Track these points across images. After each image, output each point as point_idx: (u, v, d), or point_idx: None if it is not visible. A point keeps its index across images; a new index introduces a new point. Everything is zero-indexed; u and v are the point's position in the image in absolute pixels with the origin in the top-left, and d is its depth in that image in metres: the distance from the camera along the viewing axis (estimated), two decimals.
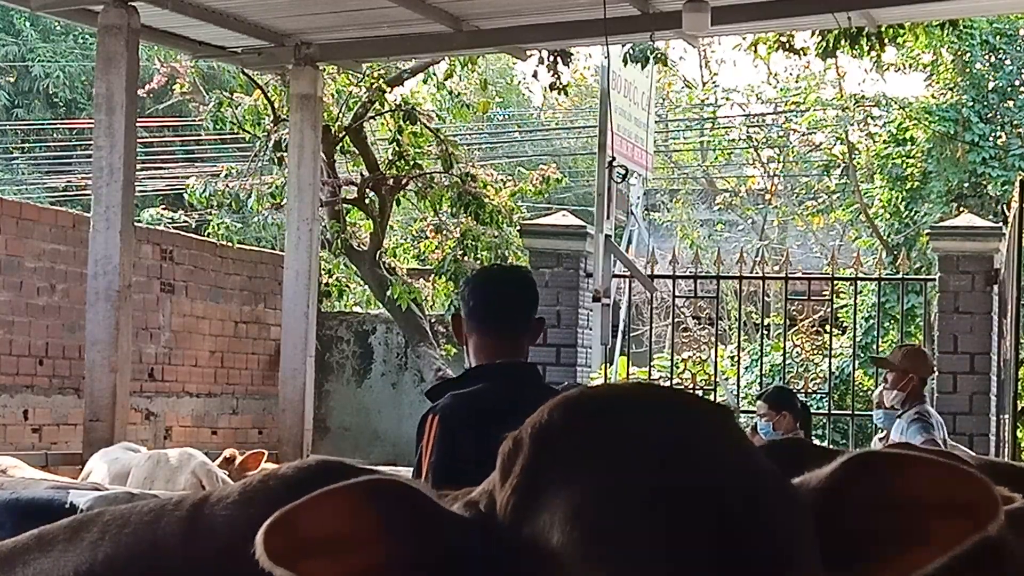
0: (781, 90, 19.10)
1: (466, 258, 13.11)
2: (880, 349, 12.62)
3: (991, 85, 16.14)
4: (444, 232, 13.50)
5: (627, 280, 12.03)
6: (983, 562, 1.33)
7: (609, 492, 1.04)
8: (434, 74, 13.43)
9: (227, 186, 13.01)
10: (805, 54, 11.85)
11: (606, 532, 1.03)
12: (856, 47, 10.32)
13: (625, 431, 1.09)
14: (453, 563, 1.10)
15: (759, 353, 13.25)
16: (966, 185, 15.82)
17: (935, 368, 7.60)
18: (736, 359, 13.10)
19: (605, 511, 1.03)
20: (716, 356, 12.71)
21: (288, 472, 1.37)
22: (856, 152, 17.64)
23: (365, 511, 1.09)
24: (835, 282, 11.63)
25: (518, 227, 12.41)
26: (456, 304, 12.37)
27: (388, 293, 13.05)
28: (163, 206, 14.85)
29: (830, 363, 12.34)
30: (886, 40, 10.34)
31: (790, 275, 11.87)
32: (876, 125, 17.42)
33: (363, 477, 1.11)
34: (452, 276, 13.21)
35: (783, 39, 11.40)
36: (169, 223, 14.26)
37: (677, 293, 11.59)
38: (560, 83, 11.36)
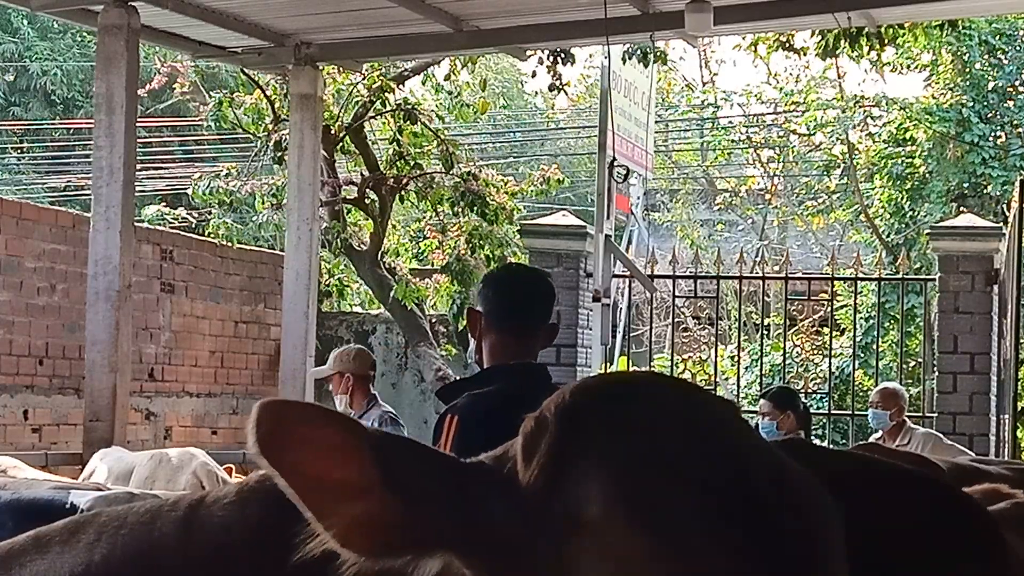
0: (784, 93, 19.09)
1: (473, 256, 13.09)
2: (880, 349, 12.64)
3: (991, 85, 16.15)
4: (448, 231, 13.50)
5: (627, 280, 12.02)
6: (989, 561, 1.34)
7: (650, 462, 1.06)
8: (432, 75, 13.42)
9: (228, 184, 13.02)
10: (805, 54, 11.86)
11: (651, 500, 1.04)
12: (856, 47, 10.31)
13: (651, 408, 1.11)
14: (462, 514, 1.10)
15: (759, 353, 13.28)
16: (966, 185, 15.83)
17: (373, 361, 7.34)
18: (736, 359, 13.12)
19: (648, 480, 1.05)
20: (716, 356, 12.73)
21: None
22: (856, 152, 17.64)
23: (359, 445, 1.10)
24: (835, 282, 11.62)
25: (518, 227, 12.41)
26: (468, 301, 12.37)
27: (392, 293, 13.05)
28: (163, 203, 14.83)
29: (830, 363, 12.36)
30: (886, 40, 10.34)
31: (790, 275, 11.87)
32: (876, 125, 17.43)
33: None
34: (457, 275, 13.20)
35: (783, 39, 11.41)
36: (171, 222, 14.25)
37: (677, 293, 11.59)
38: (560, 83, 11.35)
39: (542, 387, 3.61)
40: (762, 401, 7.76)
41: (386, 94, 12.78)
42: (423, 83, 13.48)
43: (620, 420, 1.10)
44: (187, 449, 6.83)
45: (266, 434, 1.08)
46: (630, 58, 10.97)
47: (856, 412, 11.36)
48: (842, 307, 15.04)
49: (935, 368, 10.58)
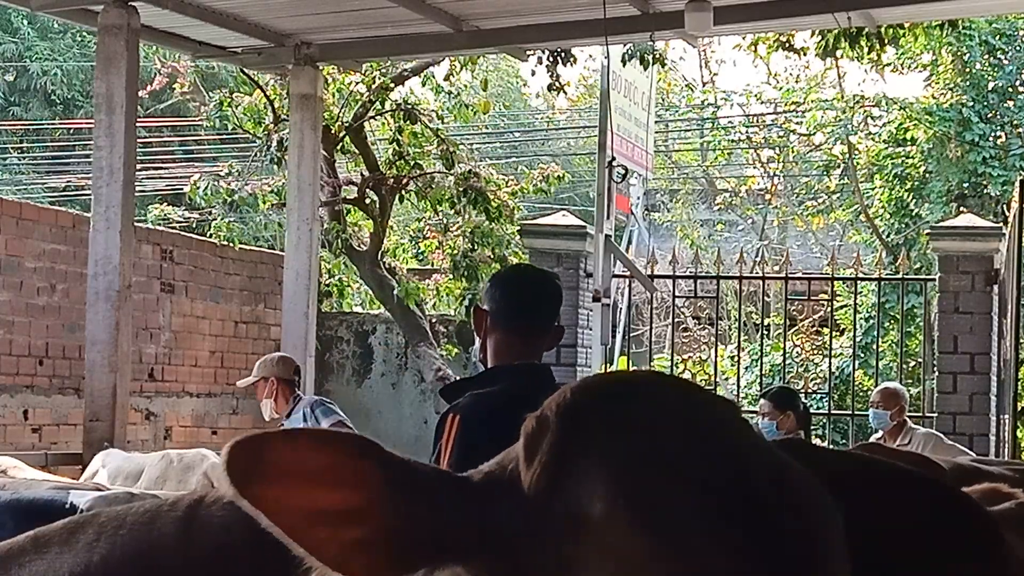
0: (784, 91, 19.08)
1: (476, 253, 13.06)
2: (880, 349, 12.64)
3: (991, 85, 16.14)
4: (450, 231, 13.49)
5: (627, 280, 12.03)
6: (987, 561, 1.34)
7: (651, 461, 1.06)
8: (432, 76, 13.42)
9: (229, 184, 13.02)
10: (805, 54, 11.86)
11: (652, 500, 1.04)
12: (856, 47, 10.31)
13: (652, 407, 1.11)
14: (466, 518, 1.09)
15: (759, 353, 13.27)
16: (966, 185, 15.83)
17: (297, 367, 7.63)
18: (736, 359, 13.12)
19: (649, 480, 1.05)
20: (716, 356, 12.72)
21: None
22: (856, 152, 17.64)
23: (352, 455, 1.08)
24: (835, 282, 11.61)
25: (518, 227, 12.42)
26: (478, 298, 12.36)
27: (396, 292, 13.04)
28: (166, 203, 14.81)
29: (830, 363, 12.36)
30: (886, 40, 10.34)
31: (790, 275, 11.87)
32: (876, 125, 17.42)
33: (350, 432, 1.11)
34: (464, 274, 13.18)
35: (783, 39, 11.41)
36: (177, 221, 14.24)
37: (677, 293, 11.59)
38: (559, 83, 11.35)
39: (546, 388, 3.58)
40: (762, 401, 7.76)
41: (386, 94, 12.79)
42: (423, 84, 13.47)
43: (622, 419, 1.10)
44: (198, 450, 6.85)
45: (242, 474, 1.05)
46: (629, 59, 10.97)
47: (856, 412, 11.36)
48: (842, 307, 15.04)
49: (935, 368, 10.58)
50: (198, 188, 12.98)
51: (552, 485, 1.08)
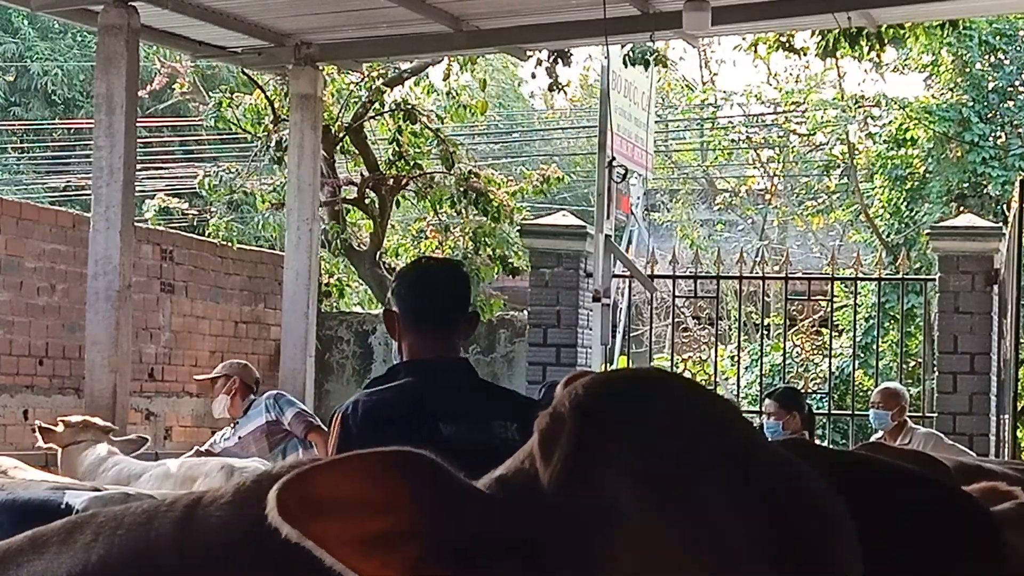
0: (784, 92, 19.08)
1: (478, 255, 13.06)
2: (880, 349, 12.63)
3: (991, 85, 16.14)
4: (448, 231, 13.49)
5: (627, 280, 12.02)
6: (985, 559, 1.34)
7: (671, 454, 1.06)
8: (428, 76, 13.41)
9: (232, 182, 13.04)
10: (805, 54, 11.86)
11: (679, 490, 1.04)
12: (856, 47, 10.31)
13: (665, 401, 1.12)
14: (486, 541, 1.09)
15: (759, 353, 13.26)
16: (966, 185, 15.83)
17: (257, 378, 7.75)
18: (736, 359, 13.11)
19: (673, 471, 1.05)
20: (716, 356, 12.71)
21: (282, 472, 1.35)
22: (856, 152, 17.64)
23: (393, 477, 1.07)
24: (835, 282, 11.61)
25: (518, 227, 12.42)
26: (476, 300, 12.37)
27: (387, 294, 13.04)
28: (172, 197, 14.78)
29: (830, 363, 12.36)
30: (886, 40, 10.34)
31: (790, 275, 11.86)
32: (876, 125, 17.42)
33: (391, 448, 1.10)
34: None
35: (783, 39, 11.41)
36: (175, 214, 14.24)
37: (677, 293, 11.58)
38: (560, 83, 11.35)
39: (453, 383, 3.54)
40: (767, 401, 7.75)
41: (384, 95, 12.79)
42: (416, 84, 13.45)
43: (637, 414, 1.10)
44: (255, 465, 6.83)
45: (296, 512, 1.05)
46: (633, 64, 10.96)
47: (856, 412, 11.35)
48: (842, 307, 15.04)
49: (935, 368, 10.58)
50: (205, 182, 13.00)
51: (574, 479, 1.08)
